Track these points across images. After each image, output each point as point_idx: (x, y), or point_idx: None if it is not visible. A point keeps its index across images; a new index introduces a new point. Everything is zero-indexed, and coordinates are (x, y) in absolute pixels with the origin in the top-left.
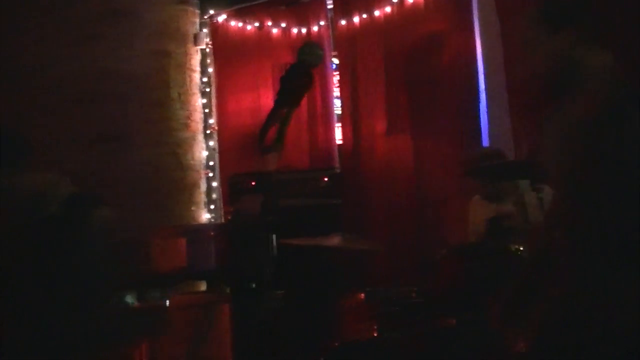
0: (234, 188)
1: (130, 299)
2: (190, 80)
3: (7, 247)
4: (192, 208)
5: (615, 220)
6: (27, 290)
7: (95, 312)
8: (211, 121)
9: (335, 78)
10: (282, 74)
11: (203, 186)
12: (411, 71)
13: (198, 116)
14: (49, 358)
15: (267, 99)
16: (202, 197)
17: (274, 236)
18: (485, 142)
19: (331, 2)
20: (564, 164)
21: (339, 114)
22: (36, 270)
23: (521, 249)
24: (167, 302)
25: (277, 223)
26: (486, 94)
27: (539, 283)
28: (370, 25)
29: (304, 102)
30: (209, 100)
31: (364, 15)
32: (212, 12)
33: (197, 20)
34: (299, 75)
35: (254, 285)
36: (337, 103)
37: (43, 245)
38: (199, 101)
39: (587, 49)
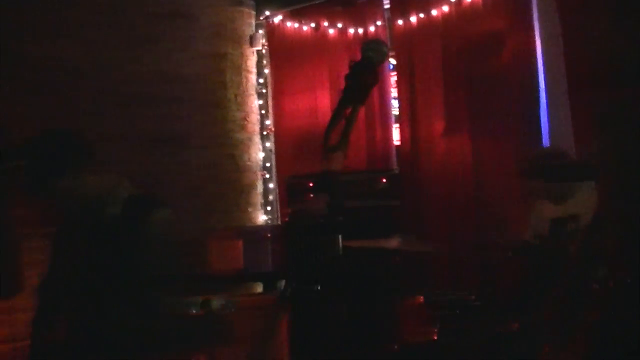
0: (293, 189)
1: (193, 304)
2: (247, 82)
3: (69, 249)
4: (249, 209)
5: None
6: (87, 291)
7: (154, 316)
8: (267, 122)
9: (393, 78)
10: (346, 72)
11: (259, 187)
12: (469, 71)
13: (254, 117)
14: None
15: (323, 100)
16: (259, 198)
17: (340, 237)
18: (546, 142)
19: (388, 1)
20: (620, 162)
21: (396, 115)
22: (97, 272)
23: None
24: (232, 310)
25: (344, 224)
26: (546, 93)
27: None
28: (428, 24)
29: None
30: (265, 102)
31: (421, 15)
32: (267, 13)
33: (253, 22)
34: (364, 73)
35: (318, 287)
36: (395, 104)
37: (103, 247)
38: (255, 102)
39: None
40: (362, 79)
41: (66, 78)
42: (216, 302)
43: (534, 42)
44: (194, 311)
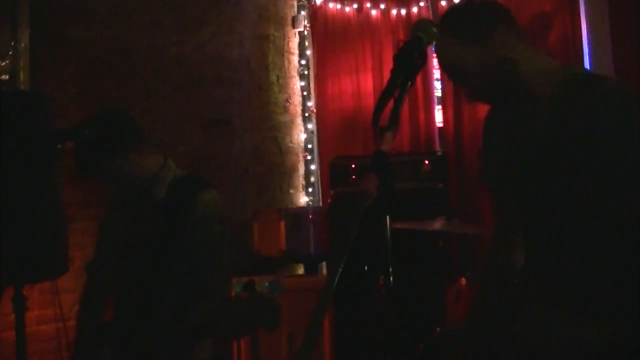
0: (337, 170)
1: (240, 287)
2: (289, 63)
3: (116, 230)
4: (291, 191)
5: None
6: (133, 273)
7: (202, 300)
8: (310, 104)
9: (435, 60)
10: (389, 53)
11: (301, 169)
12: None
13: (297, 99)
14: (163, 348)
15: (365, 81)
16: (301, 180)
17: (389, 219)
18: None
19: None
20: None
21: (439, 97)
22: (142, 253)
23: None
24: (277, 292)
25: (394, 205)
26: None
27: None
28: None
29: None
30: (308, 84)
31: None
32: None
33: (295, 3)
34: (413, 53)
35: (366, 268)
36: (438, 85)
37: (151, 229)
38: (297, 84)
39: None
40: (410, 60)
41: (120, 60)
42: (260, 284)
43: (580, 25)
44: (238, 293)
